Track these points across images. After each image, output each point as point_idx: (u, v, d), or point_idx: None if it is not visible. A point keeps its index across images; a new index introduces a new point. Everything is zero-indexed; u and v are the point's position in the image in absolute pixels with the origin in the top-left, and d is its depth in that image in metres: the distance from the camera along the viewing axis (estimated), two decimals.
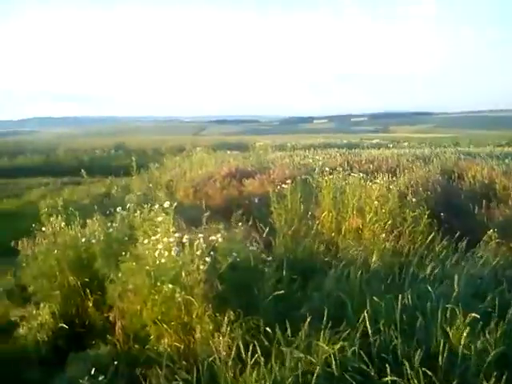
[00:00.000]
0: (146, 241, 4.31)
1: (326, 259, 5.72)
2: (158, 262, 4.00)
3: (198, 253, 3.81)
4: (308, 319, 3.51)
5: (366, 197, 7.05)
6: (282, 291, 4.08)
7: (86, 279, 4.72)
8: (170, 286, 3.90)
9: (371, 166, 12.25)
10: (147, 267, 4.08)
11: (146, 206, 5.80)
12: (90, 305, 4.61)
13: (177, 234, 4.03)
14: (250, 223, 7.19)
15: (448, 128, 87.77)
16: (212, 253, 4.04)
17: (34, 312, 4.62)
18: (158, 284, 3.99)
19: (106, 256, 4.69)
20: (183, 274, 3.80)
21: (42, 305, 4.68)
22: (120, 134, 61.01)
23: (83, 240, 4.93)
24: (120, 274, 4.36)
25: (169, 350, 3.83)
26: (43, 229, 5.62)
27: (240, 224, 7.35)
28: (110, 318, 4.34)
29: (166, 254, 3.93)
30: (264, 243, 6.33)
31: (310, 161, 13.67)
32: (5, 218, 11.30)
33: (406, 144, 22.50)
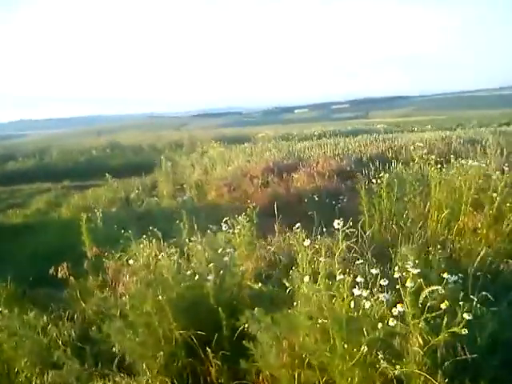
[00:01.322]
0: (306, 278, 2.87)
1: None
2: (346, 313, 2.57)
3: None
4: None
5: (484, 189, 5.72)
6: None
7: (201, 332, 3.24)
8: (366, 348, 2.50)
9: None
10: (321, 320, 2.66)
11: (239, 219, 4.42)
12: (213, 372, 3.14)
13: (374, 271, 2.59)
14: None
15: (427, 110, 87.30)
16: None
17: None
18: (343, 345, 2.59)
19: (230, 299, 3.26)
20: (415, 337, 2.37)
21: (142, 375, 3.19)
22: (106, 132, 58.65)
23: (194, 276, 3.44)
24: (265, 327, 2.92)
25: None
26: (130, 261, 4.09)
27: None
28: None
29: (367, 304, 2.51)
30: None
31: (347, 149, 12.27)
32: (18, 233, 9.61)
33: (428, 127, 21.30)
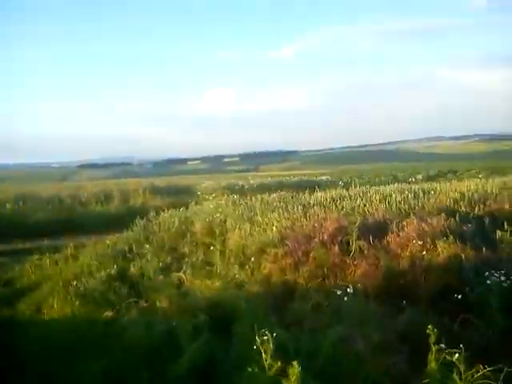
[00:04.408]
0: None
1: None
2: None
3: None
4: None
5: None
6: None
7: None
8: None
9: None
10: None
11: None
12: None
13: None
14: None
15: (315, 164, 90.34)
16: None
17: None
18: None
19: None
20: None
21: None
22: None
23: None
24: None
25: None
26: None
27: None
28: None
29: None
30: None
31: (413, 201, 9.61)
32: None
33: (420, 177, 19.82)
